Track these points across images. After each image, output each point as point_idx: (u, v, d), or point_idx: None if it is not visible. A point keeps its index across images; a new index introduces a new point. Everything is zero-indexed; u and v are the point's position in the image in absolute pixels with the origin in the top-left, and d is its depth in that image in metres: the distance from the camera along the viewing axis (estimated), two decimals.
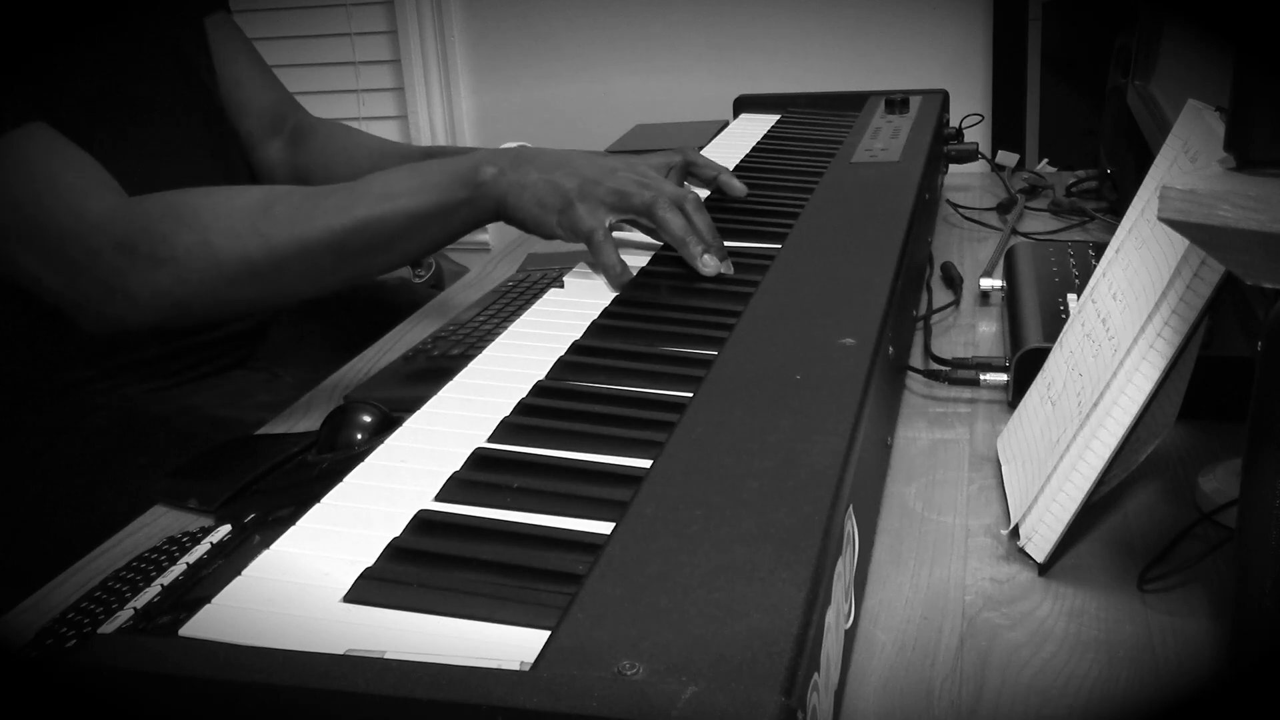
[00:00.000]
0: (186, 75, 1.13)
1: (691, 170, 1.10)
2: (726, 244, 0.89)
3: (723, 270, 0.87)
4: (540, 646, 0.43)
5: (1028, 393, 0.82)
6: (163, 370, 1.10)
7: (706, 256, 0.86)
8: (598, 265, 0.88)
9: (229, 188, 0.94)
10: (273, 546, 0.53)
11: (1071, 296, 0.97)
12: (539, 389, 0.69)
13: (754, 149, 1.33)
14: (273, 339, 1.22)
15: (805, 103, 1.58)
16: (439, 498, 0.58)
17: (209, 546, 0.68)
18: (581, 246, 0.90)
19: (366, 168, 1.28)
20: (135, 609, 0.62)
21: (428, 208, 0.89)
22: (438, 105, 2.78)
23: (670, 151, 1.09)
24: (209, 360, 1.14)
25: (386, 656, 0.43)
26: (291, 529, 0.55)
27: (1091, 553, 0.70)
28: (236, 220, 0.89)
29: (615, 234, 0.91)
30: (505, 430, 0.65)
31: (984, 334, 1.06)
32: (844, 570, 0.53)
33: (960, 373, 0.92)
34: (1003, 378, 0.90)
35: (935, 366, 0.95)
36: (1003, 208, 1.44)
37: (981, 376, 0.91)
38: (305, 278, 0.92)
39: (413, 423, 0.66)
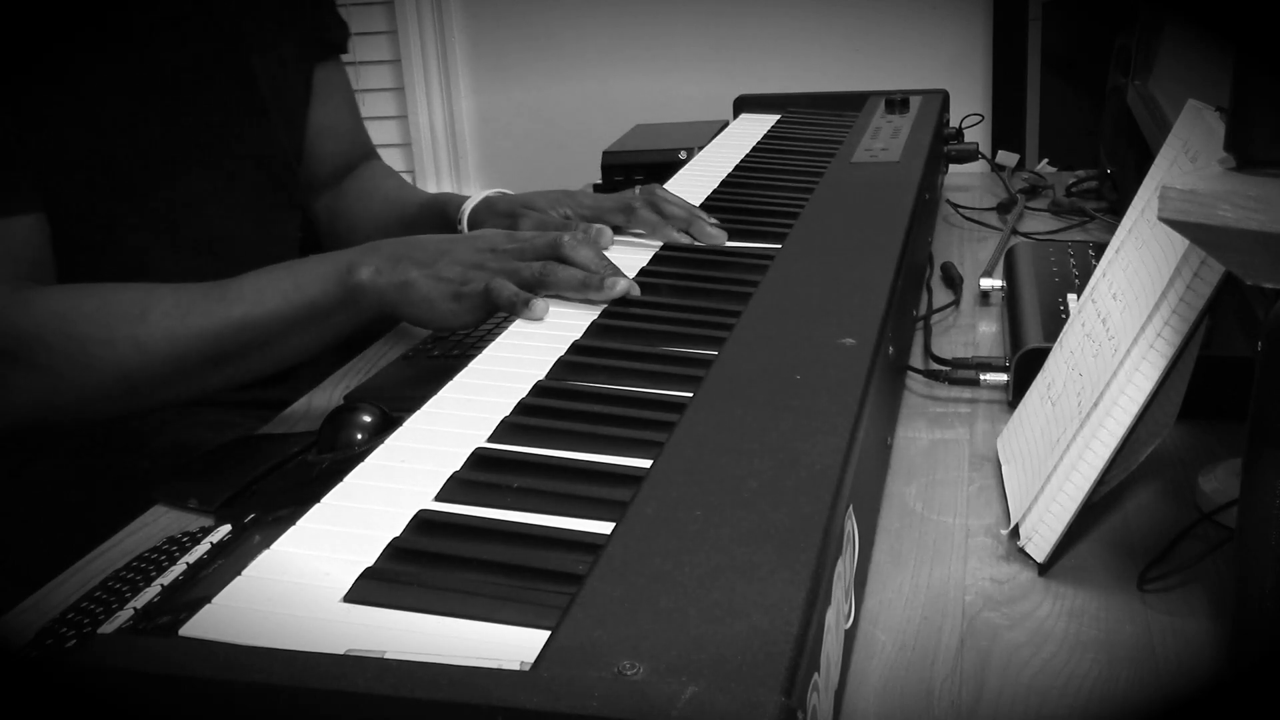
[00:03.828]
0: (247, 107, 1.12)
1: (659, 212, 1.00)
2: (728, 243, 0.88)
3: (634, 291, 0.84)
4: (540, 646, 0.43)
5: (1028, 393, 0.82)
6: None
7: (611, 279, 0.84)
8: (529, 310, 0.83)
9: (108, 288, 0.92)
10: (273, 546, 0.53)
11: (1071, 296, 0.97)
12: (539, 389, 0.69)
13: (754, 149, 1.33)
14: None
15: (805, 103, 1.58)
16: (439, 498, 0.58)
17: (209, 546, 0.68)
18: None
19: (381, 213, 1.27)
20: (135, 609, 0.62)
21: (299, 310, 0.88)
22: (438, 105, 2.78)
23: (627, 195, 1.02)
24: None
25: (386, 656, 0.43)
26: (291, 529, 0.55)
27: (1091, 553, 0.70)
28: (114, 328, 0.88)
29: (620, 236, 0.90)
30: (505, 430, 0.65)
31: (984, 334, 1.06)
32: (844, 570, 0.53)
33: (960, 373, 0.92)
34: (1003, 378, 0.90)
35: (935, 366, 0.95)
36: (1003, 208, 1.44)
37: (981, 376, 0.91)
38: (182, 383, 0.91)
39: (413, 423, 0.66)
